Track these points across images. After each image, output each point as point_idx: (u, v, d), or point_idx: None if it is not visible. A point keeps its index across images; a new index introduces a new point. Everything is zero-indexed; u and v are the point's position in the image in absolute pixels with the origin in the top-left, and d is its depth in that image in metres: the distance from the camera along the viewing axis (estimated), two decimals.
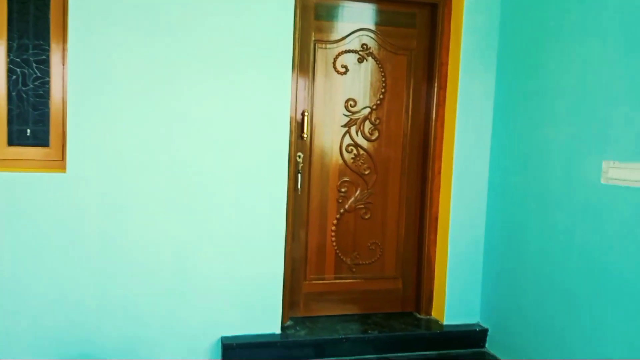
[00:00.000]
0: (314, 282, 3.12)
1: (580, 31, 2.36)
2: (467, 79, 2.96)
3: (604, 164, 2.20)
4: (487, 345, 3.03)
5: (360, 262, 3.18)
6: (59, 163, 2.61)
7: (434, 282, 3.17)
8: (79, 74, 2.45)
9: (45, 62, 2.58)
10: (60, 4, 2.54)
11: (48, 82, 2.59)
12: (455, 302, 3.08)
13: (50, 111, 2.60)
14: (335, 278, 3.16)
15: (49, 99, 2.60)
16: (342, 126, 3.05)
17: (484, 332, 3.03)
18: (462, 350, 2.99)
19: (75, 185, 2.48)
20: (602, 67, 2.23)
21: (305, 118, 2.94)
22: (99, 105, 2.48)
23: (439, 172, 3.11)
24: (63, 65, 2.58)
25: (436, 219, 3.14)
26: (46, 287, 2.49)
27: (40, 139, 2.62)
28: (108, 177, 2.52)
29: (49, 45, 2.56)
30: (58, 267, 2.49)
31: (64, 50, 2.56)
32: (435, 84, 3.05)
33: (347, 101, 3.03)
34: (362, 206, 3.15)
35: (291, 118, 2.80)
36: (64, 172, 2.50)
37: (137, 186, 2.56)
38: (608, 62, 2.20)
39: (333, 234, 3.12)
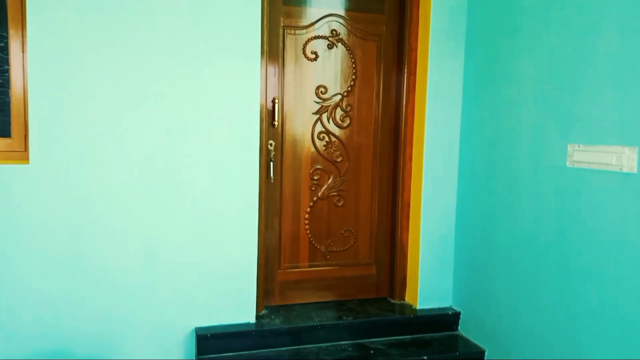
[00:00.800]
0: (288, 270, 3.11)
1: (545, 17, 2.39)
2: (437, 64, 2.97)
3: (569, 147, 2.24)
4: (459, 328, 3.09)
5: (334, 250, 3.19)
6: (22, 154, 2.52)
7: (407, 268, 3.20)
8: (39, 62, 2.36)
9: (4, 50, 2.49)
10: None
11: (7, 71, 2.50)
12: (428, 287, 3.12)
13: (11, 101, 2.50)
14: (310, 266, 3.16)
15: (9, 88, 2.50)
16: (313, 113, 3.04)
17: (456, 316, 3.08)
18: (435, 334, 3.03)
19: (39, 177, 2.41)
20: (566, 52, 2.27)
21: (276, 105, 2.91)
22: (62, 94, 2.40)
23: (410, 158, 3.13)
24: (23, 52, 2.49)
25: (408, 204, 3.16)
26: (11, 282, 2.42)
27: (2, 130, 2.52)
28: (73, 168, 2.45)
29: (7, 32, 2.47)
30: (23, 260, 2.42)
31: (23, 37, 2.47)
32: (405, 70, 3.06)
33: (317, 88, 3.02)
34: (335, 193, 3.15)
35: (262, 106, 2.77)
36: (27, 163, 2.42)
37: (104, 176, 2.50)
38: (571, 47, 2.24)
39: (307, 221, 3.11)
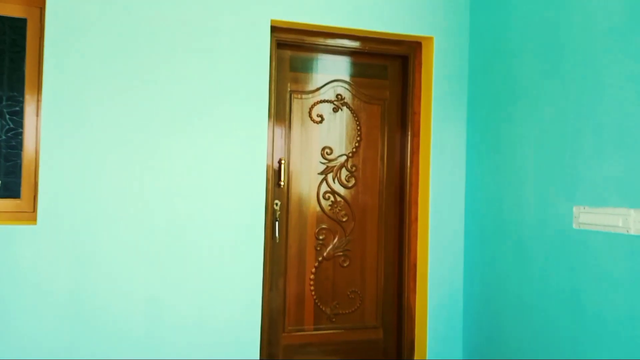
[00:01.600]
0: (292, 333, 3.04)
1: (546, 82, 2.46)
2: (439, 126, 3.04)
3: (575, 209, 2.25)
4: None
5: (340, 312, 3.13)
6: (30, 215, 2.55)
7: (414, 331, 3.12)
8: (52, 125, 2.44)
9: (19, 114, 2.57)
10: (36, 56, 2.56)
11: (21, 134, 2.57)
12: (438, 349, 3.03)
13: (23, 162, 2.56)
14: (315, 329, 3.09)
15: (21, 150, 2.57)
16: (319, 174, 3.07)
17: None
18: None
19: (46, 237, 2.42)
20: (568, 115, 2.31)
21: (282, 166, 2.95)
22: (72, 157, 2.46)
23: (416, 219, 3.13)
24: (37, 116, 2.57)
25: (415, 265, 3.13)
26: (15, 343, 2.37)
27: (12, 191, 2.57)
28: (79, 228, 2.46)
29: (23, 96, 2.56)
30: (27, 321, 2.39)
31: (38, 101, 2.56)
32: (409, 132, 3.12)
33: (323, 149, 3.07)
34: (341, 253, 3.13)
35: (268, 166, 2.81)
36: (35, 224, 2.44)
37: (110, 237, 2.51)
38: (573, 110, 2.29)
39: (312, 282, 3.07)
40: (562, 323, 2.30)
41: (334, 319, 3.12)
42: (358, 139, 3.14)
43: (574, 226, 2.24)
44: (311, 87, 3.07)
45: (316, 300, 3.08)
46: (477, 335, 2.93)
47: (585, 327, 2.17)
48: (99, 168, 2.50)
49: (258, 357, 2.72)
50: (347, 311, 3.14)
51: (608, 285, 2.06)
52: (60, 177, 2.44)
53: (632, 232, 1.95)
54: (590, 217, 2.15)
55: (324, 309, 3.10)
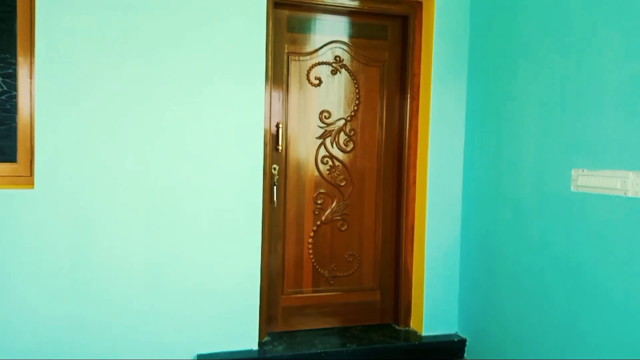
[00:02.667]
0: (291, 295, 3.08)
1: (548, 42, 2.41)
2: (439, 89, 3.00)
3: (574, 172, 2.24)
4: (465, 355, 3.03)
5: (338, 274, 3.16)
6: (27, 179, 2.54)
7: (411, 293, 3.16)
8: (46, 88, 2.40)
9: (12, 76, 2.53)
10: (27, 16, 2.49)
11: (15, 97, 2.53)
12: (433, 313, 3.08)
13: (18, 126, 2.53)
14: (314, 291, 3.13)
15: (16, 113, 2.53)
16: (317, 138, 3.05)
17: (462, 342, 3.03)
18: None
19: (44, 202, 2.42)
20: (569, 77, 2.28)
21: (280, 130, 2.93)
22: (68, 120, 2.43)
23: (414, 182, 3.12)
24: (30, 79, 2.53)
25: (412, 228, 3.14)
26: (16, 306, 2.41)
27: (8, 155, 2.55)
28: (78, 192, 2.46)
29: (15, 58, 2.51)
30: (28, 284, 2.41)
31: (31, 63, 2.51)
32: (408, 95, 3.08)
33: (321, 113, 3.04)
34: (339, 218, 3.14)
35: (266, 130, 2.78)
36: (32, 188, 2.43)
37: (109, 201, 2.51)
38: (574, 72, 2.25)
39: (310, 246, 3.09)
40: (558, 286, 2.33)
41: (332, 282, 3.15)
42: (357, 102, 3.10)
43: (572, 189, 2.24)
44: (309, 49, 3.01)
45: (314, 264, 3.11)
46: (473, 298, 2.98)
47: (581, 290, 2.19)
48: (96, 131, 2.47)
49: (258, 318, 2.76)
50: (345, 274, 3.17)
51: (604, 248, 2.08)
52: (56, 140, 2.42)
53: (629, 195, 1.95)
54: (588, 180, 2.15)
55: (322, 271, 3.13)
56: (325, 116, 3.05)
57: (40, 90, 2.40)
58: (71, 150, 2.44)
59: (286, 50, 2.96)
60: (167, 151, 2.58)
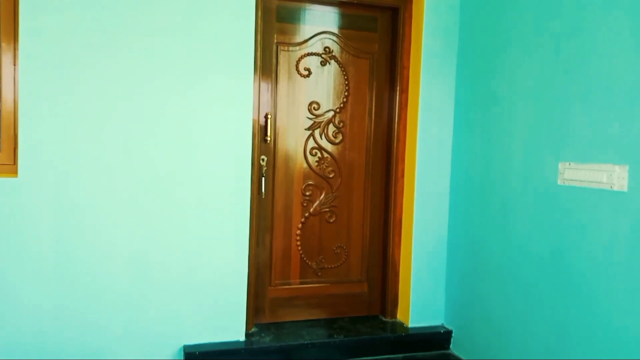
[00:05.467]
0: (279, 287, 3.08)
1: (536, 36, 2.42)
2: (429, 82, 3.00)
3: (560, 166, 2.25)
4: (451, 346, 3.06)
5: (326, 266, 3.17)
6: (10, 167, 2.49)
7: (398, 285, 3.18)
8: (30, 75, 2.35)
9: None
10: (11, 2, 2.43)
11: None
12: (420, 305, 3.10)
13: (1, 114, 2.48)
14: (301, 283, 3.13)
15: None
16: (306, 129, 3.04)
17: (448, 334, 3.06)
18: (427, 353, 3.00)
19: (28, 190, 2.38)
20: (557, 72, 2.29)
21: (269, 121, 2.91)
22: (52, 108, 2.39)
23: (402, 175, 3.13)
24: (14, 65, 2.47)
25: (400, 221, 3.15)
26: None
27: None
28: (62, 181, 2.42)
29: None
30: (12, 273, 2.38)
31: (15, 50, 2.45)
32: (397, 87, 3.08)
33: (310, 104, 3.02)
34: (327, 209, 3.14)
35: (254, 121, 2.76)
36: (16, 176, 2.39)
37: (93, 191, 2.48)
38: (562, 65, 2.26)
39: (298, 238, 3.09)
40: (544, 279, 2.35)
41: (319, 273, 3.16)
42: (346, 94, 3.09)
43: (559, 182, 2.26)
44: (299, 39, 2.98)
45: (302, 255, 3.11)
46: (460, 290, 3.00)
47: (566, 283, 2.22)
48: (81, 120, 2.43)
49: (245, 310, 2.76)
50: (332, 266, 3.17)
51: (590, 241, 2.10)
52: (40, 128, 2.38)
53: (615, 188, 1.97)
54: (575, 174, 2.17)
55: (310, 263, 3.13)
56: (314, 107, 3.03)
57: (25, 77, 2.35)
58: (56, 139, 2.40)
59: (275, 41, 2.94)
60: (153, 141, 2.54)
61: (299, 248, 3.10)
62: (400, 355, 2.93)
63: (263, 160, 2.93)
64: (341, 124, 3.10)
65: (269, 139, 2.92)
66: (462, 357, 2.94)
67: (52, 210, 2.42)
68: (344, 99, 3.09)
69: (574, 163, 2.18)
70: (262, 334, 2.86)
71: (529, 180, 2.45)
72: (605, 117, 2.04)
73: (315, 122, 3.05)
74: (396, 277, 3.17)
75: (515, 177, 2.55)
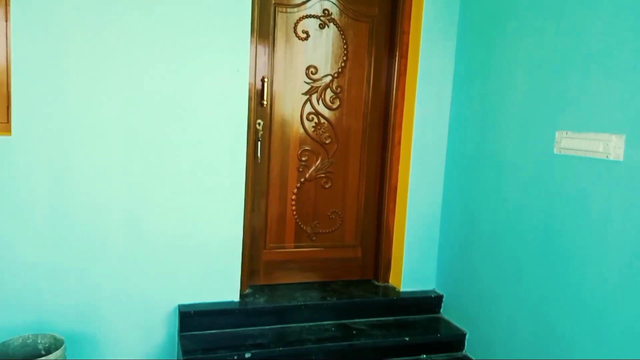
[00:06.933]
0: (273, 250, 3.11)
1: (536, 4, 2.38)
2: (428, 48, 2.96)
3: (557, 134, 2.25)
4: (441, 311, 3.13)
5: (321, 231, 3.19)
6: (4, 125, 2.46)
7: (392, 251, 3.22)
8: (23, 31, 2.30)
9: None
10: None
11: None
12: (412, 270, 3.15)
13: None
14: (295, 247, 3.16)
15: None
16: (303, 94, 3.01)
17: (439, 299, 3.12)
18: (417, 316, 3.06)
19: (22, 149, 2.36)
20: (557, 40, 2.26)
21: (265, 84, 2.88)
22: (46, 65, 2.35)
23: (399, 142, 3.12)
24: (6, 21, 2.41)
25: (395, 188, 3.17)
26: None
27: None
28: (57, 140, 2.41)
29: None
30: (7, 231, 2.39)
31: (6, 4, 2.39)
32: (397, 53, 3.04)
33: (308, 68, 2.99)
34: (323, 175, 3.14)
35: (250, 84, 2.73)
36: (9, 135, 2.37)
37: (89, 150, 2.46)
38: (562, 35, 2.23)
39: (293, 202, 3.10)
40: (535, 247, 2.38)
41: (314, 238, 3.19)
42: (344, 58, 3.05)
43: (555, 151, 2.26)
44: (297, 1, 2.92)
45: (297, 220, 3.13)
46: (452, 256, 3.04)
47: (557, 252, 2.25)
48: (75, 78, 2.39)
49: (239, 271, 2.79)
50: (327, 230, 3.20)
51: (583, 211, 2.12)
52: (34, 85, 2.34)
53: (611, 158, 1.97)
54: (571, 142, 2.17)
55: (304, 228, 3.16)
56: (311, 72, 3.00)
57: (17, 34, 2.30)
58: (49, 97, 2.37)
59: (273, 1, 2.87)
60: (148, 101, 2.52)
61: (294, 213, 3.12)
62: (391, 318, 3.00)
63: (259, 124, 2.91)
64: (339, 89, 3.07)
65: (265, 102, 2.90)
66: (452, 321, 3.01)
67: (46, 169, 2.41)
68: (342, 64, 3.05)
69: (571, 132, 2.18)
70: (256, 295, 2.91)
71: (525, 149, 2.46)
72: (603, 87, 2.03)
73: (312, 86, 3.02)
74: (390, 242, 3.21)
75: (511, 146, 2.55)
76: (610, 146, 1.97)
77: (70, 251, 2.49)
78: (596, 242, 2.05)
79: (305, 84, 3.00)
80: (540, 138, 2.35)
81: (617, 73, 1.97)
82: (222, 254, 2.74)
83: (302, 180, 3.10)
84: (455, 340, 2.89)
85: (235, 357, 2.46)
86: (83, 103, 2.42)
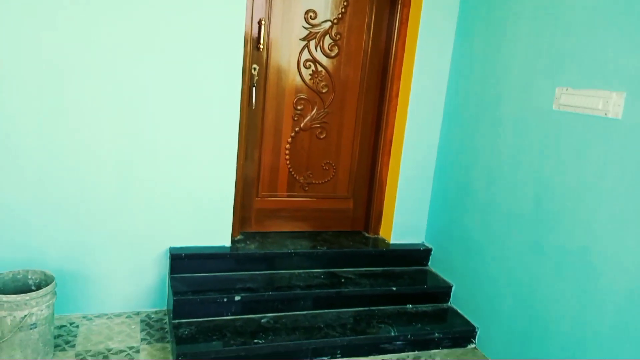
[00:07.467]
0: (266, 198, 3.11)
1: None
2: None
3: (557, 90, 2.22)
4: (429, 264, 3.17)
5: (314, 182, 3.19)
6: None
7: (383, 204, 3.23)
8: None
9: None
10: None
11: None
12: (403, 223, 3.17)
13: None
14: (288, 196, 3.17)
15: None
16: (301, 39, 2.92)
17: (427, 252, 3.16)
18: (405, 268, 3.11)
19: (9, 87, 2.29)
20: None
21: (262, 28, 2.79)
22: (35, 4, 2.25)
23: (397, 94, 3.07)
24: None
25: (390, 141, 3.14)
26: None
27: None
28: (46, 79, 2.33)
29: None
30: None
31: None
32: (399, 1, 2.93)
33: (307, 12, 2.89)
34: (318, 125, 3.10)
35: (247, 26, 2.65)
36: None
37: (79, 92, 2.40)
38: None
39: (287, 152, 3.08)
40: (527, 203, 2.39)
41: (306, 188, 3.19)
42: (345, 4, 2.95)
43: (554, 107, 2.23)
44: None
45: (290, 170, 3.12)
46: (443, 212, 3.06)
47: (549, 208, 2.26)
48: (66, 17, 2.30)
49: (231, 218, 2.80)
50: (320, 181, 3.20)
51: (577, 167, 2.11)
52: (19, 22, 2.25)
53: (609, 115, 1.95)
54: (570, 99, 2.14)
55: (297, 178, 3.15)
56: (310, 16, 2.90)
57: None
58: (37, 36, 2.28)
59: None
60: (139, 42, 2.43)
61: (288, 162, 3.10)
62: (379, 269, 3.04)
63: (255, 69, 2.84)
64: (338, 37, 2.98)
65: (261, 47, 2.82)
66: (440, 274, 3.06)
67: (36, 108, 2.35)
68: (343, 10, 2.95)
69: (571, 88, 2.14)
70: (248, 242, 2.93)
71: (524, 105, 2.42)
72: (607, 42, 1.98)
73: (311, 32, 2.93)
74: (382, 195, 3.22)
75: (510, 101, 2.52)
76: (610, 103, 1.95)
77: (60, 192, 2.47)
78: (589, 201, 2.05)
79: (303, 29, 2.91)
80: (540, 94, 2.32)
81: (622, 28, 1.91)
82: (213, 200, 2.73)
83: (297, 129, 3.07)
84: (441, 292, 2.95)
85: (225, 299, 2.50)
86: (75, 44, 2.34)
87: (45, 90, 2.35)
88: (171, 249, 2.69)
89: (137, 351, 2.38)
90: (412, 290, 2.89)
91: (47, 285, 2.26)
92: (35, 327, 2.14)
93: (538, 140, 2.33)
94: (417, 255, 3.15)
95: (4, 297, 2.06)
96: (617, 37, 1.94)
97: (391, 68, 3.04)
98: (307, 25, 2.91)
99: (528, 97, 2.39)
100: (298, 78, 2.98)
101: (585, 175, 2.07)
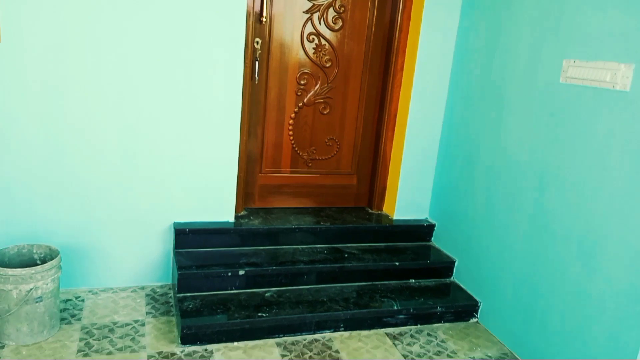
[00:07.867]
0: (269, 174, 3.11)
1: None
2: None
3: (565, 63, 2.18)
4: (433, 239, 3.18)
5: (317, 157, 3.17)
6: None
7: (387, 180, 3.22)
8: None
9: None
10: None
11: None
12: (406, 199, 3.16)
13: None
14: (291, 172, 3.16)
15: None
16: (304, 12, 2.87)
17: (431, 227, 3.16)
18: (409, 243, 3.12)
19: (11, 58, 2.27)
20: None
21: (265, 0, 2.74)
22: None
23: (402, 68, 3.03)
24: None
25: (395, 116, 3.11)
26: None
27: None
28: (48, 51, 2.31)
29: None
30: None
31: None
32: None
33: None
34: (322, 100, 3.07)
35: None
36: None
37: (82, 67, 2.37)
38: None
39: (290, 127, 3.06)
40: (531, 178, 2.37)
41: (310, 164, 3.17)
42: None
43: (561, 80, 2.19)
44: None
45: (294, 146, 3.10)
46: (446, 189, 3.04)
47: (554, 185, 2.25)
48: None
49: (235, 193, 2.80)
50: (323, 157, 3.18)
51: (585, 140, 2.09)
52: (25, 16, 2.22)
53: (617, 88, 1.92)
54: (578, 71, 2.10)
55: (301, 153, 3.13)
56: None
57: None
58: (39, 4, 2.25)
59: None
60: (140, 14, 2.39)
61: (291, 138, 3.08)
62: (382, 244, 3.05)
63: (257, 43, 2.80)
64: (342, 9, 2.93)
65: (264, 19, 2.77)
66: (443, 249, 3.06)
67: (38, 80, 2.33)
68: None
69: (579, 61, 2.10)
70: (251, 217, 2.93)
71: (531, 78, 2.38)
72: (616, 13, 1.93)
73: (314, 4, 2.88)
74: (386, 171, 3.20)
75: (517, 75, 2.48)
76: (618, 75, 1.91)
77: (63, 168, 2.47)
78: (595, 174, 2.03)
79: (307, 1, 2.86)
80: (548, 66, 2.28)
81: None
82: (217, 176, 2.73)
83: (300, 104, 3.04)
84: (444, 267, 2.95)
85: (229, 274, 2.52)
86: (76, 18, 2.30)
87: (45, 60, 2.33)
88: (175, 224, 2.69)
89: (143, 324, 2.41)
90: (415, 266, 2.89)
91: (52, 259, 2.27)
92: (41, 301, 2.17)
93: (545, 114, 2.30)
94: (421, 231, 3.15)
95: (9, 271, 2.08)
96: (626, 8, 1.89)
97: (396, 41, 2.99)
98: None
99: (535, 69, 2.35)
100: (301, 52, 2.94)
101: (592, 149, 2.04)
